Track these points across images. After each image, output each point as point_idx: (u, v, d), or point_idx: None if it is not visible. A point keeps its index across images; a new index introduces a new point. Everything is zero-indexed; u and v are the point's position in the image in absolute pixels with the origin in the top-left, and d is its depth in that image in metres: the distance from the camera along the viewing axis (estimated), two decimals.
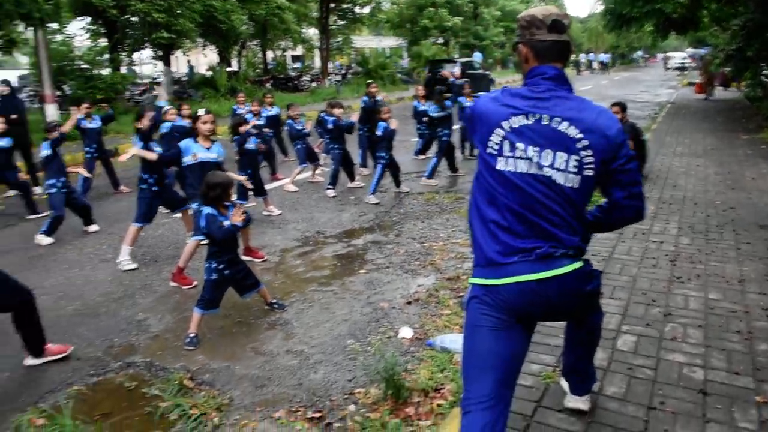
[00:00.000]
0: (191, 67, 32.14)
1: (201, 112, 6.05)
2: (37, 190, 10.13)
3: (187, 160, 5.98)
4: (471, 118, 2.62)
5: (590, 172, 2.43)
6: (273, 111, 12.12)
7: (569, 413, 3.43)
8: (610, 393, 3.63)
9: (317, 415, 3.81)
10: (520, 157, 2.43)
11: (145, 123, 6.90)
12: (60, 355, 4.69)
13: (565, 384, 3.54)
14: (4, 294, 4.37)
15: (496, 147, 2.48)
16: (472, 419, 2.50)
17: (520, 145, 2.43)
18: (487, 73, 32.02)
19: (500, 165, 2.47)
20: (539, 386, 3.74)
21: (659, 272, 5.52)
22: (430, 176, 10.32)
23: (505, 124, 2.46)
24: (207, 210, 4.80)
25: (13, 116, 10.27)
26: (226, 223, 4.80)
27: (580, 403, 3.44)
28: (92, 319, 5.46)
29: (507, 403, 2.55)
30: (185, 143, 6.02)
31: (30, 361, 4.64)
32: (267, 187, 8.95)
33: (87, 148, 10.36)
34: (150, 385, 4.25)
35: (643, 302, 4.89)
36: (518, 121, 2.44)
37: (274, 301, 5.43)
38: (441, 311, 5.18)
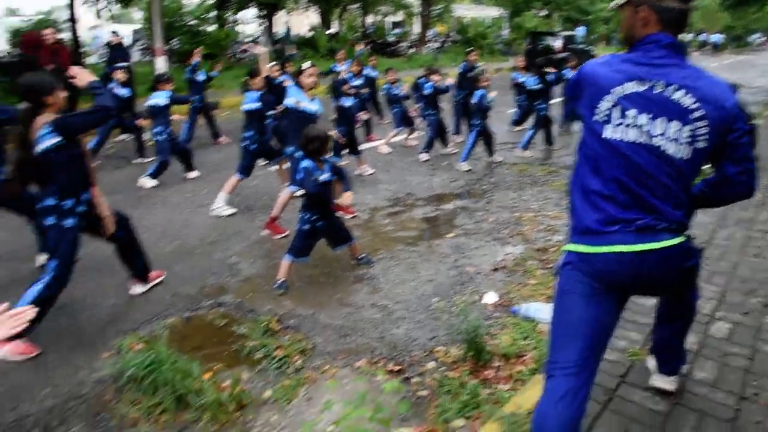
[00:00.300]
0: (288, 29, 32.52)
1: (305, 65, 6.13)
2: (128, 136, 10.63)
3: (289, 102, 6.08)
4: (577, 83, 2.53)
5: (703, 144, 2.31)
6: (372, 73, 12.16)
7: (654, 392, 3.33)
8: (699, 378, 3.49)
9: (397, 368, 3.85)
10: (630, 125, 2.33)
11: (258, 82, 7.03)
12: (158, 279, 5.04)
13: (652, 363, 3.43)
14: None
15: (605, 114, 2.38)
16: (556, 384, 2.46)
17: (630, 113, 2.33)
18: (589, 48, 30.92)
19: (608, 133, 2.38)
20: (625, 362, 3.65)
21: (763, 263, 5.24)
22: (525, 148, 10.13)
23: (616, 90, 2.36)
24: (305, 163, 4.88)
25: (124, 63, 10.77)
26: (322, 177, 4.87)
27: (666, 383, 3.33)
28: (188, 258, 5.70)
29: (592, 372, 2.50)
30: (292, 87, 6.13)
31: (135, 289, 4.92)
32: (361, 147, 9.01)
33: (192, 97, 10.72)
34: (239, 325, 4.42)
35: (742, 291, 4.66)
36: (630, 88, 2.34)
37: (362, 256, 5.50)
38: (527, 280, 5.11)
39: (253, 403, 3.55)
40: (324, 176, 4.89)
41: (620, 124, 2.34)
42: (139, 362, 3.63)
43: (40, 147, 4.05)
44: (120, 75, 9.50)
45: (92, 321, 4.59)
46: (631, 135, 2.32)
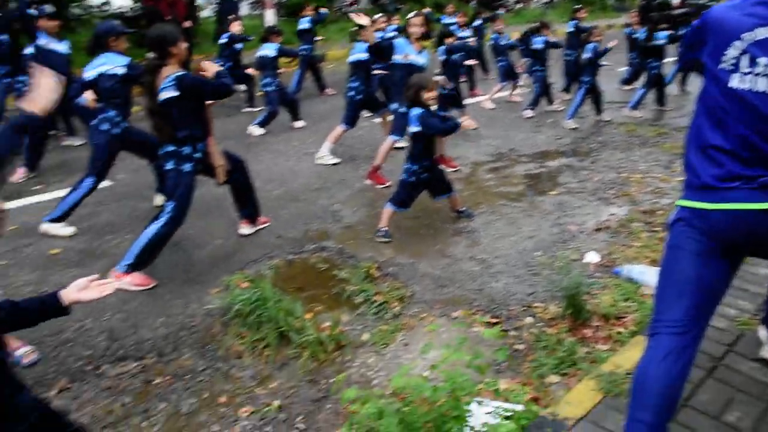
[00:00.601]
0: None
1: (411, 15, 6.06)
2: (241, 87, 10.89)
3: (397, 58, 6.06)
4: (700, 29, 2.35)
5: None
6: (477, 22, 11.90)
7: (763, 364, 3.17)
8: None
9: (494, 321, 3.83)
10: (761, 74, 2.16)
11: (368, 35, 7.00)
12: (265, 225, 5.22)
13: (763, 333, 3.26)
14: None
15: (732, 62, 2.21)
16: (660, 342, 2.37)
17: (762, 60, 2.15)
18: (711, 3, 28.92)
19: (735, 82, 2.21)
20: (734, 331, 3.48)
21: None
22: (635, 107, 9.67)
23: (746, 35, 2.18)
24: (416, 111, 4.85)
25: (231, 16, 11.03)
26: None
27: None
28: (293, 204, 5.85)
29: (698, 334, 2.38)
30: (399, 41, 6.10)
31: (244, 230, 5.11)
32: (465, 102, 8.89)
33: (302, 47, 10.85)
34: (340, 269, 4.51)
35: None
36: (763, 33, 2.16)
37: (463, 209, 5.46)
38: (632, 242, 4.94)
39: (351, 345, 3.63)
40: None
41: (749, 72, 2.17)
42: (245, 299, 3.79)
43: (162, 96, 4.23)
44: (236, 27, 9.71)
45: (203, 258, 4.81)
46: (762, 85, 2.15)
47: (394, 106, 6.22)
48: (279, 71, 8.75)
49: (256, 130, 8.43)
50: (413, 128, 4.89)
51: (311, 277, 4.48)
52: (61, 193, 5.44)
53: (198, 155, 4.44)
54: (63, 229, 5.24)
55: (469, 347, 3.11)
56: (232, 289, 4.14)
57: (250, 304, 3.74)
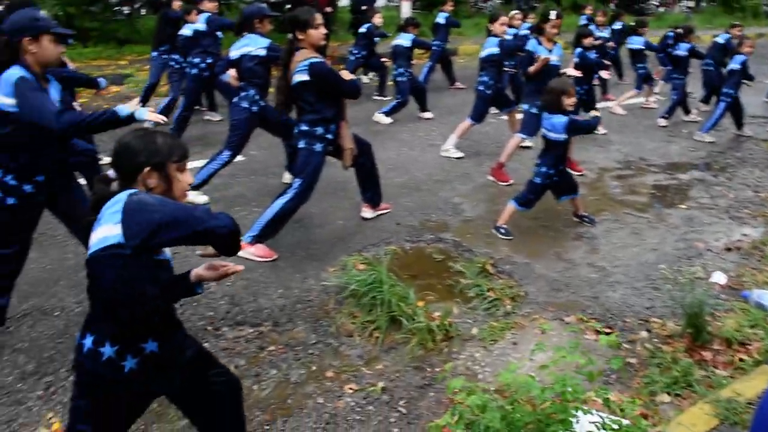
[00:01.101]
0: None
1: (552, 15, 5.91)
2: (364, 79, 11.04)
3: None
4: None
5: None
6: (617, 26, 11.42)
7: None
8: None
9: (607, 330, 3.71)
10: None
11: (498, 27, 6.93)
12: (386, 211, 5.29)
13: None
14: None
15: None
16: None
17: None
18: None
19: None
20: None
21: None
22: None
23: None
24: (559, 118, 4.73)
25: (364, 7, 11.23)
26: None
27: None
28: (414, 193, 5.89)
29: None
30: (532, 43, 5.99)
31: (365, 213, 5.22)
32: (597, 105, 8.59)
33: (436, 42, 10.85)
34: (455, 262, 4.51)
35: None
36: None
37: (585, 214, 5.30)
38: (764, 266, 4.62)
39: (460, 337, 3.63)
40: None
41: None
42: (361, 280, 3.87)
43: (295, 79, 4.37)
44: (377, 18, 9.82)
45: (323, 237, 4.95)
46: None
47: (525, 106, 6.11)
48: (412, 62, 8.81)
49: (383, 119, 8.53)
50: (556, 135, 4.77)
51: (426, 267, 4.50)
52: (199, 163, 5.74)
53: (329, 136, 4.55)
54: (198, 197, 5.54)
55: (581, 353, 3.02)
56: (348, 269, 4.23)
57: (365, 286, 3.81)
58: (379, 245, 4.76)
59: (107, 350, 1.99)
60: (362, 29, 9.87)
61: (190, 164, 6.05)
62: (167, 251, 2.10)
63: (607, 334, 3.62)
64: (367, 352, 3.52)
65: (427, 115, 8.85)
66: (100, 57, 12.28)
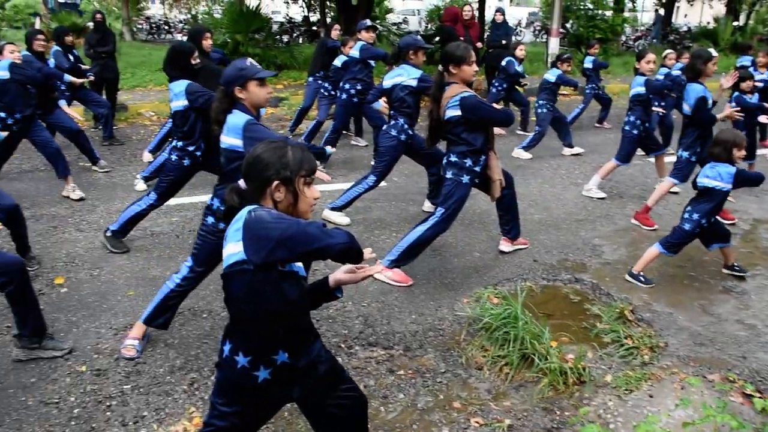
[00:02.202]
0: (659, 17, 29.29)
1: (714, 52, 5.60)
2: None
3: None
4: None
5: None
6: None
7: None
8: None
9: (756, 394, 3.42)
10: None
11: (644, 66, 6.68)
12: (523, 246, 5.19)
13: None
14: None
15: None
16: None
17: None
18: None
19: None
20: None
21: None
22: None
23: None
24: (726, 168, 4.48)
25: (504, 41, 11.21)
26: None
27: None
28: (553, 231, 5.75)
29: None
30: (693, 87, 5.68)
31: (503, 247, 5.17)
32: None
33: (588, 85, 10.61)
34: (592, 304, 4.34)
35: None
36: None
37: (737, 265, 4.94)
38: None
39: (593, 383, 3.48)
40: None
41: None
42: (495, 314, 3.82)
43: (447, 114, 4.42)
44: (520, 52, 9.79)
45: (459, 267, 4.94)
46: None
47: (684, 153, 5.76)
48: (556, 96, 8.63)
49: (522, 154, 8.43)
50: (720, 185, 4.49)
51: (561, 307, 4.38)
52: (343, 186, 5.93)
53: (477, 169, 4.55)
54: (341, 218, 5.71)
55: (731, 415, 2.81)
56: (482, 301, 4.19)
57: (499, 320, 3.76)
58: (515, 280, 4.69)
59: (241, 360, 2.08)
60: (503, 63, 9.79)
61: (335, 186, 6.35)
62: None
63: (759, 397, 3.36)
64: (495, 387, 3.46)
65: (572, 151, 8.63)
66: None
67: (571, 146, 8.72)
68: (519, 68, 9.63)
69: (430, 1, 24.99)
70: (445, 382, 3.49)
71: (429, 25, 20.82)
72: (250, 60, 3.34)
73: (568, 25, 20.15)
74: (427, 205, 5.95)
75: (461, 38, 10.97)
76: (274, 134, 3.37)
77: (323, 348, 2.31)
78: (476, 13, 14.13)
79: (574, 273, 4.87)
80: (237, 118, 3.29)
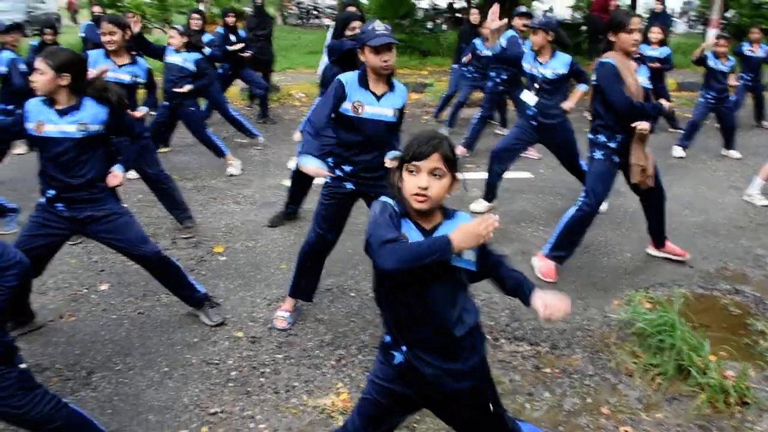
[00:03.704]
0: None
1: None
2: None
3: None
4: None
5: None
6: None
7: None
8: None
9: None
10: None
11: None
12: (676, 257, 4.79)
13: None
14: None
15: None
16: None
17: None
18: None
19: None
20: None
21: None
22: None
23: None
24: None
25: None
26: None
27: None
28: (711, 236, 5.35)
29: None
30: None
31: (651, 250, 4.86)
32: None
33: (744, 75, 9.78)
34: (756, 320, 3.98)
35: None
36: None
37: None
38: None
39: (757, 405, 3.19)
40: None
41: None
42: (649, 320, 3.61)
43: (592, 80, 4.33)
44: (721, 48, 9.09)
45: (609, 267, 4.71)
46: None
47: None
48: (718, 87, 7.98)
49: (678, 152, 7.92)
50: None
51: (719, 318, 4.06)
52: (484, 175, 5.80)
53: (612, 145, 4.30)
54: (478, 205, 5.62)
55: None
56: (634, 305, 3.96)
57: (653, 327, 3.54)
58: (668, 286, 4.39)
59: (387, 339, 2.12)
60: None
61: (477, 175, 6.23)
62: None
63: None
64: (646, 397, 3.26)
65: (735, 154, 7.97)
66: (404, 66, 13.11)
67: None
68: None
69: None
70: (593, 386, 3.32)
71: (575, 14, 20.02)
72: (375, 24, 3.32)
73: (728, 15, 18.69)
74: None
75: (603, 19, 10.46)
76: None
77: (477, 368, 2.14)
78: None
79: (735, 283, 4.50)
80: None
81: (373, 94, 3.40)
